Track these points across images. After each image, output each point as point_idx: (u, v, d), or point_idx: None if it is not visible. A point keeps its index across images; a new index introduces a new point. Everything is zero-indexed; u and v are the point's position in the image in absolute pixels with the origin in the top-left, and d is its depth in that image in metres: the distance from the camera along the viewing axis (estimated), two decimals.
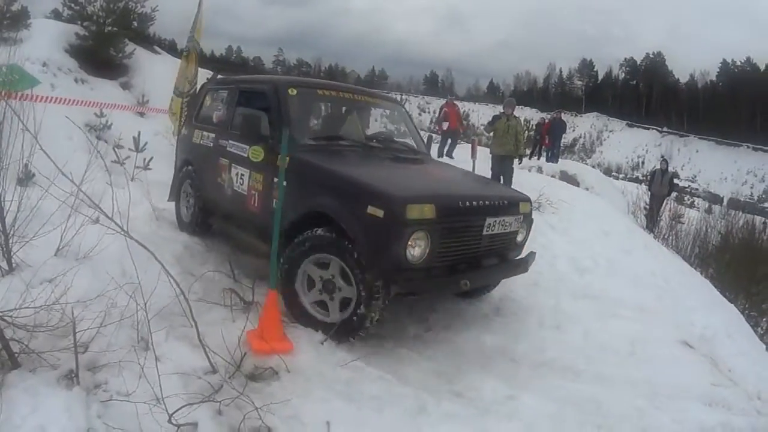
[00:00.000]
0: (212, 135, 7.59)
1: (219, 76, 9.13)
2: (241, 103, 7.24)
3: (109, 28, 15.05)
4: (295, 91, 6.67)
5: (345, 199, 5.29)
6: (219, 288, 5.88)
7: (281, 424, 3.92)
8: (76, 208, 4.98)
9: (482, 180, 8.18)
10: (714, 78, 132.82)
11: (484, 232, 5.67)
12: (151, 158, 10.60)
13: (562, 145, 27.71)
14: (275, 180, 5.67)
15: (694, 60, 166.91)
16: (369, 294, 5.10)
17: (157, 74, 15.35)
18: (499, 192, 6.67)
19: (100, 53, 14.99)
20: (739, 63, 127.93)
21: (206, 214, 7.70)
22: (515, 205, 6.20)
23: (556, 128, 23.15)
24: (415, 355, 5.52)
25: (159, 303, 4.58)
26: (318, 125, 7.77)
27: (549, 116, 28.01)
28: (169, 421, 3.56)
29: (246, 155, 6.59)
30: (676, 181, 21.65)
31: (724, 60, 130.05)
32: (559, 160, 23.16)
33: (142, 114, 13.87)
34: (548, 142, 23.16)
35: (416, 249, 5.05)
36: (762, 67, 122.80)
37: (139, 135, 10.65)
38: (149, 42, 18.65)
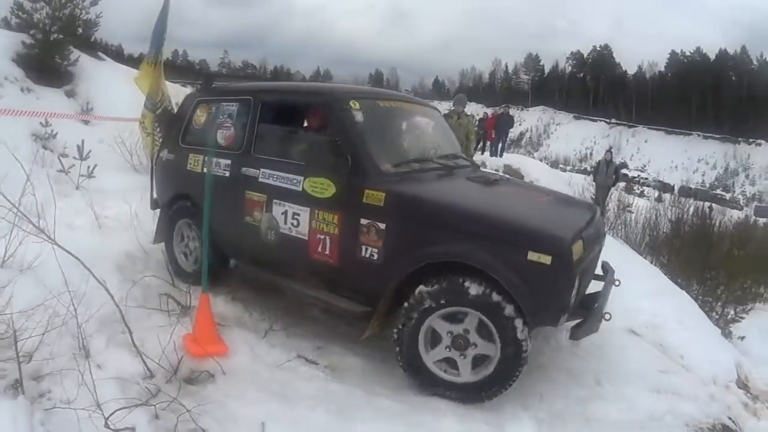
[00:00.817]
0: (225, 161, 6.06)
1: (215, 84, 7.14)
2: (267, 120, 6.07)
3: (55, 35, 14.71)
4: (358, 105, 5.51)
5: (493, 244, 4.45)
6: (158, 294, 5.84)
7: (216, 426, 3.97)
8: (17, 222, 4.88)
9: (571, 201, 6.94)
10: (662, 69, 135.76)
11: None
12: (95, 166, 10.30)
13: (508, 139, 27.81)
14: (363, 222, 4.91)
15: (642, 51, 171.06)
16: (517, 349, 4.47)
17: (102, 81, 15.22)
18: (595, 214, 5.86)
19: (46, 61, 14.53)
20: (688, 53, 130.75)
21: (223, 260, 6.59)
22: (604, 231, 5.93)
23: (503, 123, 23.26)
24: (350, 354, 5.46)
25: (101, 311, 4.75)
26: (390, 145, 6.01)
27: (493, 111, 28.13)
28: (106, 426, 3.62)
29: (300, 189, 5.37)
30: (624, 171, 21.87)
31: (673, 50, 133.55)
32: (504, 154, 23.24)
33: (86, 122, 13.47)
34: (493, 136, 23.21)
35: (574, 290, 4.59)
36: (712, 57, 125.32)
37: (83, 143, 10.28)
38: (94, 48, 18.29)
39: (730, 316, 11.83)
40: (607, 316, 4.92)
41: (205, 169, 6.03)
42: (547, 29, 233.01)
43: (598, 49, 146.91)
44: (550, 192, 6.61)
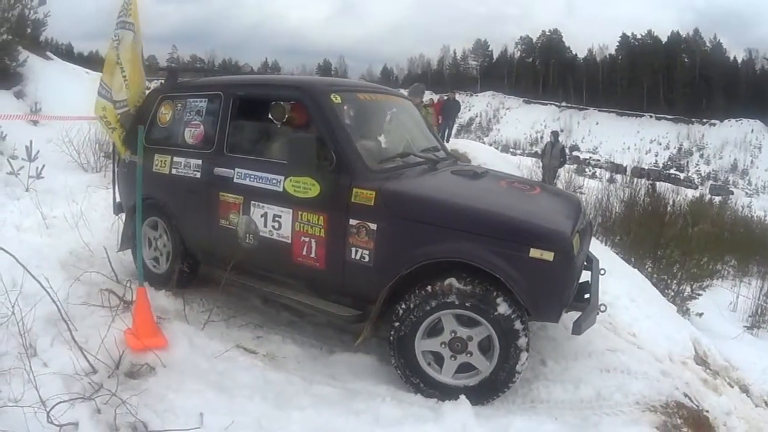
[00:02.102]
0: (196, 161, 5.78)
1: (181, 79, 6.68)
2: (240, 116, 5.76)
3: (4, 36, 14.39)
4: (339, 98, 5.27)
5: (493, 242, 4.32)
6: (105, 287, 5.65)
7: (156, 418, 3.96)
8: None
9: (558, 194, 6.75)
10: (613, 52, 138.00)
11: None
12: (43, 166, 10.09)
13: (457, 124, 27.77)
14: (352, 222, 4.72)
15: (592, 35, 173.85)
16: (509, 376, 4.41)
17: (50, 81, 15.01)
18: (581, 206, 5.76)
19: None
20: (639, 36, 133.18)
21: (195, 264, 6.24)
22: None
23: (450, 108, 23.11)
24: (289, 342, 5.46)
25: (47, 309, 4.69)
26: (374, 141, 5.91)
27: (439, 97, 28.05)
28: (49, 421, 3.64)
29: (281, 189, 5.13)
30: (576, 153, 22.01)
31: (624, 34, 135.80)
32: (451, 139, 23.16)
33: (35, 122, 13.24)
34: (439, 122, 23.12)
35: (575, 285, 4.66)
36: (664, 39, 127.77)
37: (31, 144, 10.12)
38: (42, 48, 18.00)
39: (686, 293, 11.96)
40: (602, 308, 4.93)
41: (173, 170, 5.97)
42: (495, 15, 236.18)
43: (547, 33, 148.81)
44: (536, 183, 6.68)
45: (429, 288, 4.45)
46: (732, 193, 53.16)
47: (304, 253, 5.03)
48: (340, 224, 4.79)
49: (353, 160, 4.88)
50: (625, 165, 68.47)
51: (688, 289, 12.07)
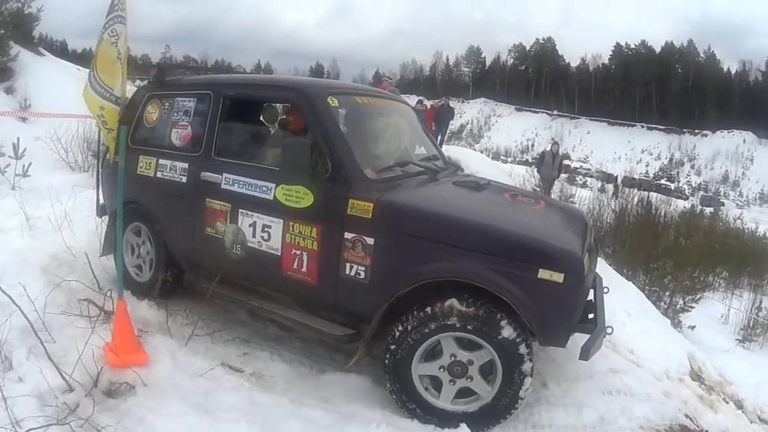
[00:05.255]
0: (182, 164, 5.49)
1: (170, 78, 6.23)
2: (230, 117, 5.49)
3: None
4: (336, 102, 5.01)
5: (499, 262, 4.03)
6: (85, 295, 5.42)
7: None
8: None
9: (564, 209, 6.17)
10: (606, 61, 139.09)
11: None
12: (30, 164, 9.99)
13: (449, 131, 27.68)
14: (347, 236, 4.43)
15: (585, 44, 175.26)
16: (511, 402, 4.19)
17: (41, 77, 14.90)
18: (587, 222, 5.54)
19: None
20: (633, 46, 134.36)
21: (179, 274, 5.91)
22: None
23: (444, 115, 23.04)
24: (278, 360, 5.22)
25: (24, 319, 4.44)
26: (373, 148, 5.55)
27: (432, 103, 27.97)
28: None
29: (271, 197, 4.83)
30: (566, 162, 21.94)
31: (618, 43, 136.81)
32: (444, 146, 23.08)
33: (24, 119, 13.14)
34: (433, 128, 23.05)
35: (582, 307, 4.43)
36: (658, 49, 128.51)
37: (18, 141, 10.00)
38: (35, 44, 17.89)
39: (679, 305, 11.91)
40: (609, 330, 4.58)
41: (158, 173, 5.66)
42: (489, 22, 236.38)
43: (541, 41, 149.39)
44: (539, 197, 6.28)
45: (428, 309, 4.19)
46: (723, 204, 53.32)
47: (295, 266, 4.75)
48: (334, 237, 4.52)
49: (350, 168, 4.60)
50: (616, 174, 68.72)
51: (681, 301, 11.99)
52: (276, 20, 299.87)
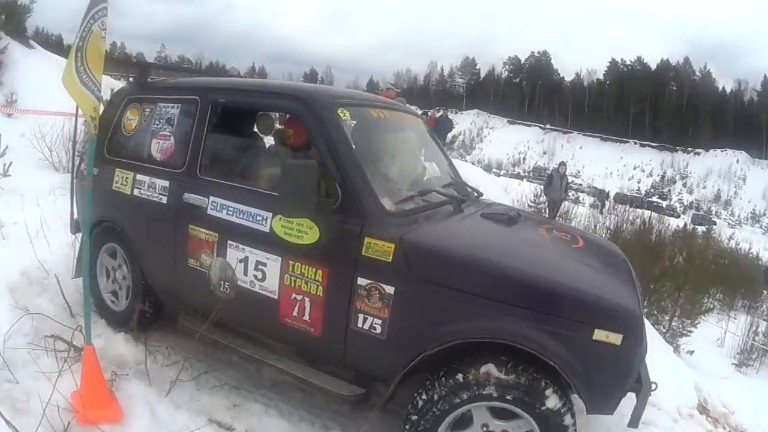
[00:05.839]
0: (162, 182, 4.73)
1: (152, 78, 5.50)
2: (220, 129, 4.73)
3: None
4: (348, 114, 4.20)
5: (546, 319, 3.35)
6: (53, 326, 4.68)
7: None
8: None
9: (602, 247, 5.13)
10: (601, 77, 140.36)
11: None
12: (11, 163, 9.56)
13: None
14: (361, 282, 3.67)
15: (581, 59, 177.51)
16: None
17: (30, 71, 14.53)
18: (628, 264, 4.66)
19: None
20: (629, 62, 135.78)
21: (158, 303, 5.15)
22: None
23: (443, 126, 22.85)
24: (273, 412, 4.48)
25: None
26: (390, 172, 4.62)
27: (431, 113, 27.81)
28: None
29: (267, 229, 4.07)
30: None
31: (613, 59, 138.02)
32: None
33: (9, 114, 12.88)
34: None
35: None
36: (653, 66, 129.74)
37: None
38: (26, 36, 17.64)
39: (678, 330, 11.65)
40: (654, 387, 3.96)
41: (136, 191, 4.90)
42: (485, 34, 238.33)
43: (536, 55, 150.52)
44: (575, 231, 5.22)
45: (459, 376, 3.49)
46: (715, 223, 53.40)
47: (295, 314, 3.99)
48: (344, 283, 3.75)
49: (365, 198, 3.83)
50: (607, 190, 68.93)
51: (680, 325, 11.73)
52: (272, 25, 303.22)
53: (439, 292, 3.51)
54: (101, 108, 4.63)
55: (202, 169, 4.55)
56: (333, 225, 3.78)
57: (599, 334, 3.27)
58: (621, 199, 53.20)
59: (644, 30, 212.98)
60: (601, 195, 56.29)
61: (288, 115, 4.91)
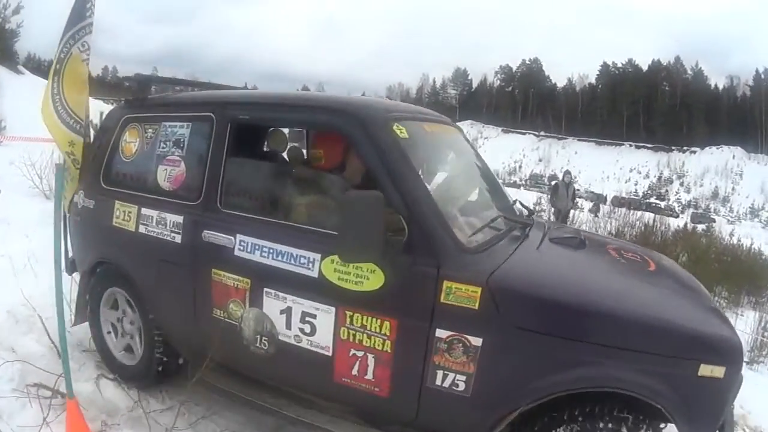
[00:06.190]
0: (174, 217, 3.98)
1: (152, 95, 4.77)
2: (243, 151, 4.02)
3: None
4: (405, 132, 3.50)
5: (650, 359, 2.93)
6: (39, 372, 4.22)
7: None
8: None
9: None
10: (593, 81, 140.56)
11: None
12: None
13: None
14: (440, 334, 3.09)
15: (572, 65, 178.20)
16: None
17: (19, 96, 14.38)
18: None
19: None
20: (620, 65, 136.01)
21: (172, 357, 4.42)
22: None
23: None
24: None
25: None
26: (459, 200, 4.01)
27: None
28: None
29: (315, 274, 3.37)
30: (555, 183, 21.61)
31: (604, 62, 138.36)
32: None
33: None
34: None
35: None
36: (644, 67, 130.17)
37: None
38: (15, 61, 17.51)
39: None
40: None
41: (141, 228, 4.15)
42: (476, 44, 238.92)
43: (527, 62, 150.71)
44: (640, 251, 4.49)
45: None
46: (714, 221, 53.04)
47: (355, 372, 3.36)
48: (419, 336, 3.16)
49: (439, 233, 3.19)
50: (605, 194, 68.81)
51: None
52: (263, 44, 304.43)
53: (534, 340, 3.01)
54: (81, 141, 4.42)
55: (223, 200, 3.84)
56: (401, 267, 3.17)
57: (704, 369, 2.94)
58: (619, 202, 52.96)
59: (634, 32, 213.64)
60: (597, 199, 56.09)
61: (315, 133, 4.35)
